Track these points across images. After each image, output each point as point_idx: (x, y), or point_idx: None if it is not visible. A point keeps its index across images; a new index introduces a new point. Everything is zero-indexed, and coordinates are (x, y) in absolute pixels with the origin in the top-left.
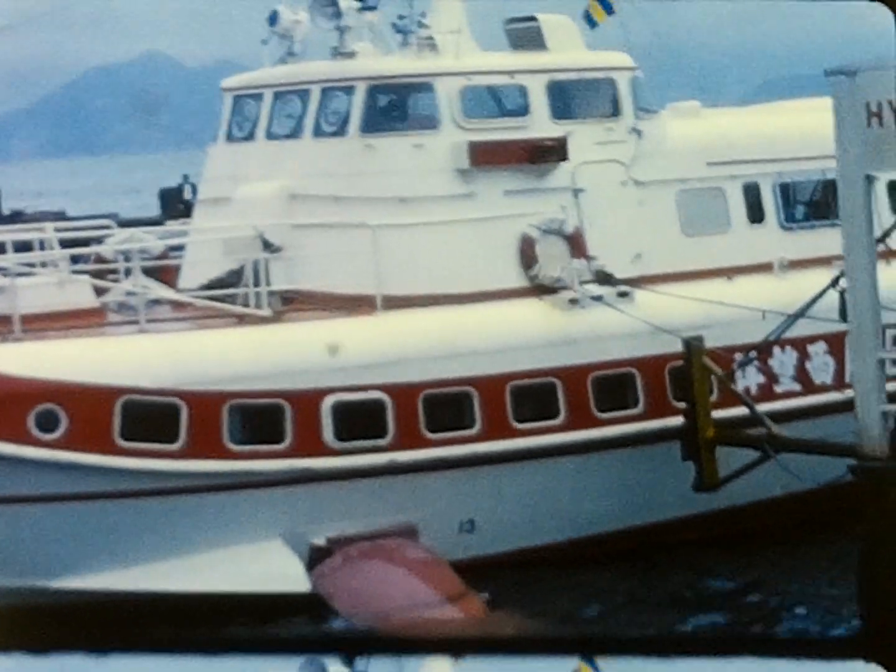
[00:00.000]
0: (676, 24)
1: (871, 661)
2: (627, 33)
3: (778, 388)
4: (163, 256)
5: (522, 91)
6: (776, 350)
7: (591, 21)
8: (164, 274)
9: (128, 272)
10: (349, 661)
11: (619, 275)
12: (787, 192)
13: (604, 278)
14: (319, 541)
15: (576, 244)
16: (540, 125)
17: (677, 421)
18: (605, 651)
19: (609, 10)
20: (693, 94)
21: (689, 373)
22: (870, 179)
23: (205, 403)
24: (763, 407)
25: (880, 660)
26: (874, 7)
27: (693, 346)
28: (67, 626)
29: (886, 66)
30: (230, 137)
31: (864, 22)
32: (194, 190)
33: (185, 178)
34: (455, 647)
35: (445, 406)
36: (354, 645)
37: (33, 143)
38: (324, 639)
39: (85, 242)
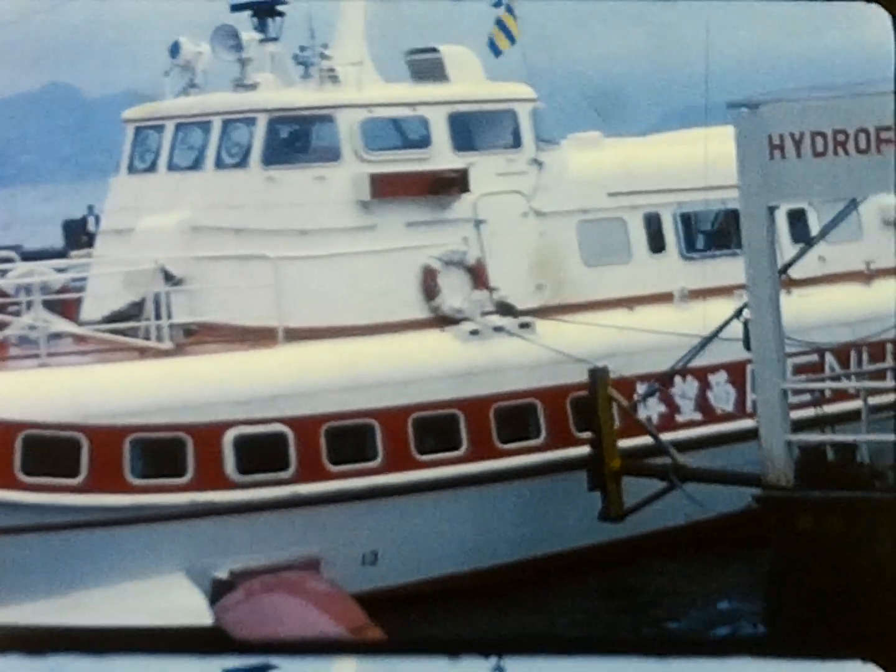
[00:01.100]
0: (578, 55)
1: (869, 661)
2: (529, 64)
3: (679, 418)
4: (64, 290)
5: (424, 123)
6: (677, 379)
7: (495, 49)
8: (67, 306)
9: (29, 305)
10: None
11: (520, 306)
12: (687, 222)
13: (505, 309)
14: (222, 574)
15: (477, 275)
16: (441, 157)
17: (580, 451)
18: (589, 651)
19: (511, 38)
20: (595, 124)
21: (594, 402)
22: (772, 211)
23: (106, 437)
24: (665, 436)
25: (878, 660)
26: (870, 9)
27: (598, 376)
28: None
29: (788, 98)
30: (132, 169)
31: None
32: (98, 221)
33: (90, 209)
34: (358, 649)
35: (348, 438)
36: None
37: None
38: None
39: None
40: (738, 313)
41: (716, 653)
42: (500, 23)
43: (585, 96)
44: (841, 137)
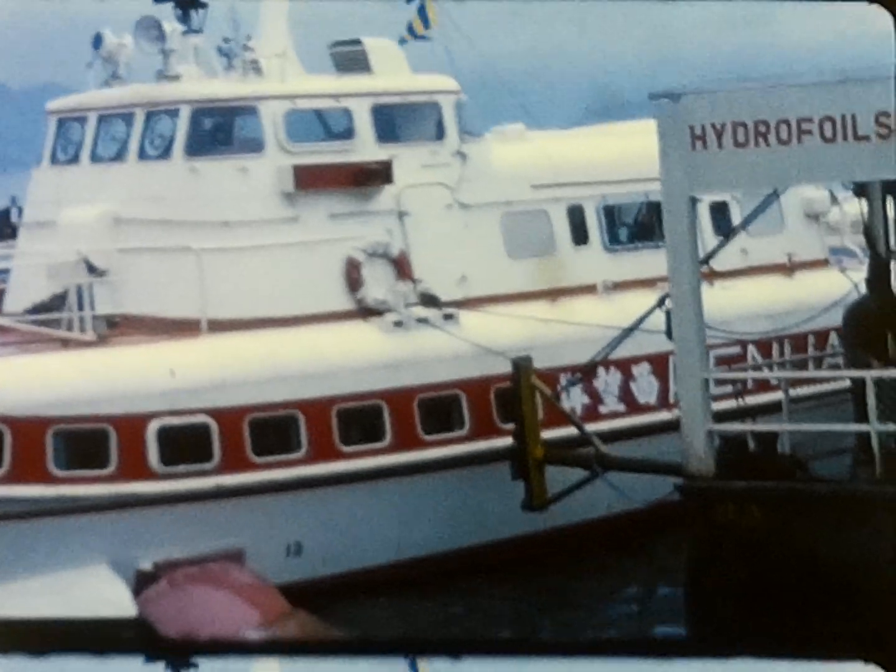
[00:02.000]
0: (504, 48)
1: (870, 661)
2: (452, 57)
3: (603, 409)
4: None
5: (347, 114)
6: (601, 370)
7: (412, 33)
8: None
9: None
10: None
11: (444, 297)
12: (611, 215)
13: (429, 301)
14: (146, 566)
15: (401, 267)
16: (365, 148)
17: (504, 442)
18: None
19: (426, 23)
20: (519, 117)
21: (517, 392)
22: (694, 202)
23: (28, 428)
24: (589, 427)
25: (879, 661)
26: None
27: (521, 367)
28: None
29: (710, 90)
30: (54, 160)
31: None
32: (20, 213)
33: (13, 200)
34: (281, 649)
35: (271, 429)
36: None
37: None
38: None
39: None
40: (661, 303)
41: (716, 653)
42: (421, 10)
43: (509, 89)
44: (762, 128)
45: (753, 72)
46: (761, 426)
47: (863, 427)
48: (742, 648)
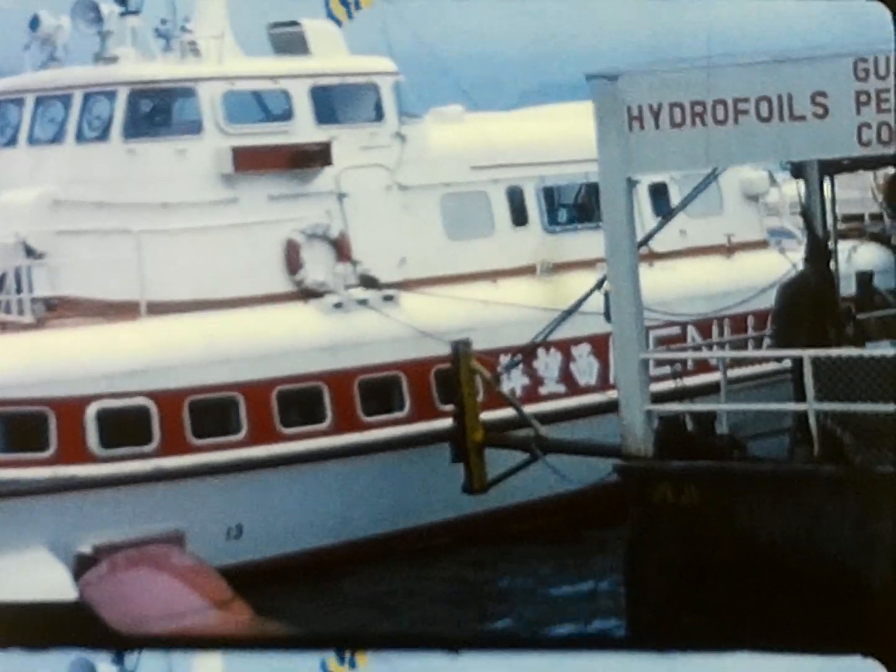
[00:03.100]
0: (441, 29)
1: (869, 656)
2: (389, 38)
3: (543, 390)
4: None
5: (286, 96)
6: (541, 352)
7: (332, 18)
8: None
9: None
10: (119, 659)
11: (384, 279)
12: (550, 196)
13: (369, 282)
14: (86, 549)
15: (341, 249)
16: (303, 130)
17: (444, 424)
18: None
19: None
20: (458, 99)
21: (456, 375)
22: (631, 183)
23: None
24: (529, 408)
25: (878, 655)
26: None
27: (461, 349)
28: None
29: (646, 71)
30: None
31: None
32: None
33: None
34: (223, 644)
35: (211, 412)
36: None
37: None
38: (93, 636)
39: None
40: (599, 285)
41: (715, 648)
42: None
43: (447, 71)
44: (699, 108)
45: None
46: (699, 406)
47: (800, 406)
48: (740, 644)
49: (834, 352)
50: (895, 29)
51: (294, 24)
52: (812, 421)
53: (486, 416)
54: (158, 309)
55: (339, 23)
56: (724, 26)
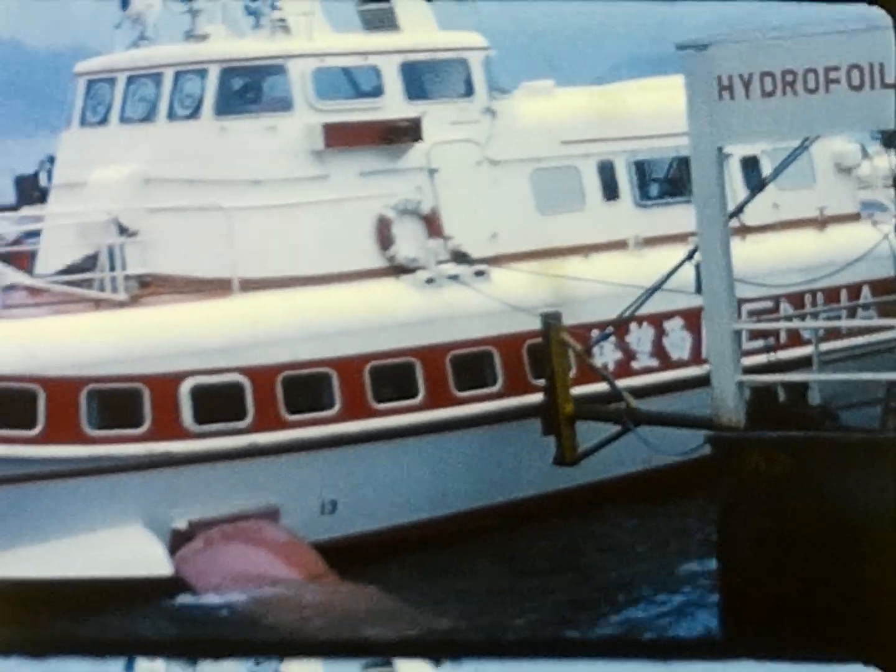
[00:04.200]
0: (530, 3)
1: (870, 663)
2: (478, 13)
3: (635, 364)
4: (17, 242)
5: (376, 72)
6: (633, 326)
7: None
8: (20, 260)
9: None
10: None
11: (475, 254)
12: (641, 170)
13: (460, 257)
14: (181, 524)
15: (432, 224)
16: (394, 106)
17: (537, 398)
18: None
19: None
20: (548, 73)
21: (547, 349)
22: (722, 154)
23: (62, 389)
24: (622, 383)
25: (878, 662)
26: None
27: (551, 323)
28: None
29: (737, 39)
30: (84, 122)
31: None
32: (50, 176)
33: (43, 163)
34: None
35: (305, 387)
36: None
37: None
38: (168, 644)
39: None
40: (690, 256)
41: (716, 655)
42: None
43: (536, 46)
44: (789, 77)
45: None
46: (791, 376)
47: (892, 375)
48: (740, 651)
49: None
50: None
51: (384, 0)
52: None
53: (578, 390)
54: (251, 285)
55: None
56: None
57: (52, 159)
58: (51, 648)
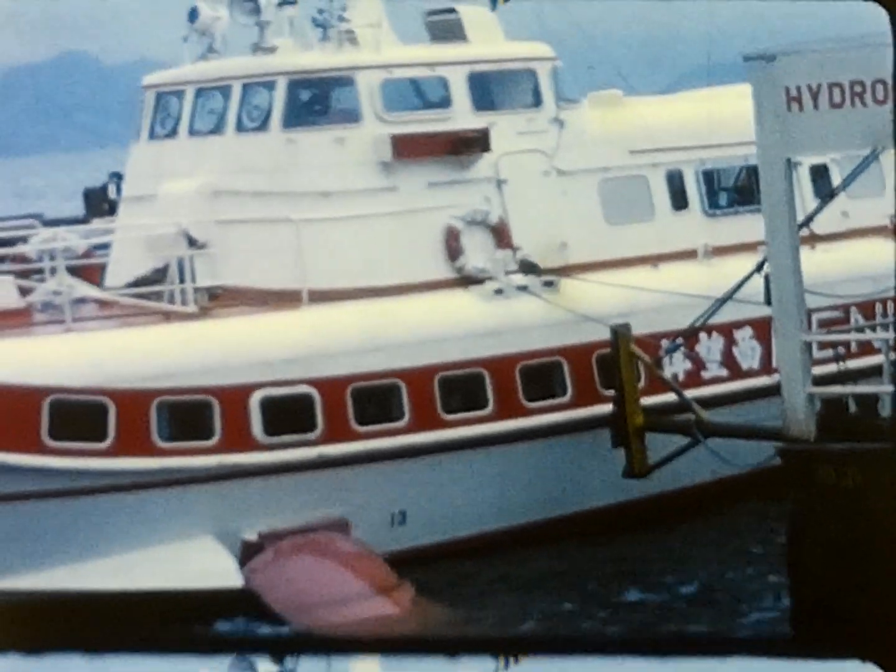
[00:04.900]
0: (594, 13)
1: (868, 660)
2: (544, 22)
3: (705, 374)
4: (87, 255)
5: (444, 83)
6: (703, 336)
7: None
8: (89, 273)
9: (52, 271)
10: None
11: (543, 264)
12: (710, 179)
13: (529, 268)
14: (251, 536)
15: (500, 234)
16: (462, 117)
17: (606, 409)
18: (585, 651)
19: None
20: (614, 82)
21: (616, 360)
22: (791, 164)
23: (132, 401)
24: (691, 393)
25: (877, 659)
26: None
27: (620, 334)
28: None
29: (805, 50)
30: (152, 135)
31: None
32: (119, 189)
33: (112, 176)
34: (383, 646)
35: (374, 398)
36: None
37: None
38: (253, 639)
39: (9, 243)
40: (759, 267)
41: (711, 652)
42: None
43: (602, 56)
44: (858, 88)
45: None
46: (862, 388)
47: None
48: (738, 648)
49: None
50: (893, 31)
51: (451, 10)
52: None
53: (647, 401)
54: (320, 297)
55: (495, 4)
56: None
57: (118, 175)
58: (48, 645)
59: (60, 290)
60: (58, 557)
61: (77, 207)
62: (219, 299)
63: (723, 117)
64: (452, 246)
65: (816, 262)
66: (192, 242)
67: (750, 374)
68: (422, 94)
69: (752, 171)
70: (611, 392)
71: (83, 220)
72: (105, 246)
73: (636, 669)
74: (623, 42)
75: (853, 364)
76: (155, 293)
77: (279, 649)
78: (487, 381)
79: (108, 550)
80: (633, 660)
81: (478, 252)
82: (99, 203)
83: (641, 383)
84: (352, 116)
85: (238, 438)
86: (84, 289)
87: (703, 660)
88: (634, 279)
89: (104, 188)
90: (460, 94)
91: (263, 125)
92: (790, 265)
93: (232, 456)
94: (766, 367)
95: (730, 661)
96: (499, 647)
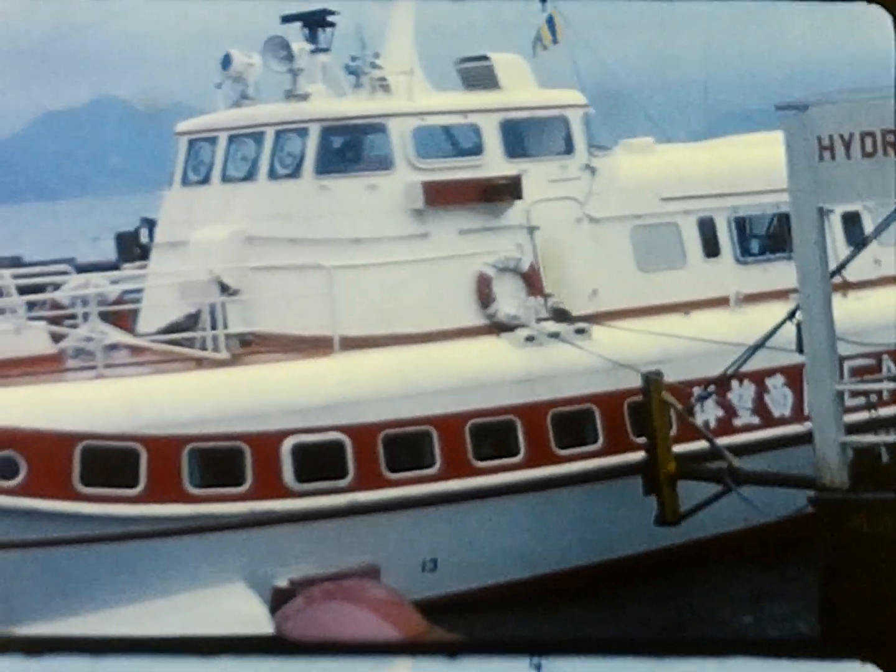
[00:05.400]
0: (629, 58)
1: (868, 661)
2: (578, 70)
3: (737, 422)
4: (119, 301)
5: (476, 130)
6: (734, 383)
7: (540, 44)
8: (122, 318)
9: (85, 317)
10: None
11: (575, 311)
12: (742, 226)
13: (560, 315)
14: (282, 583)
15: (532, 282)
16: (494, 164)
17: (637, 456)
18: (591, 652)
19: (554, 36)
20: (646, 129)
21: (648, 407)
22: (823, 212)
23: (164, 447)
24: (723, 440)
25: (877, 661)
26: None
27: (652, 381)
28: None
29: (836, 100)
30: (185, 181)
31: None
32: (150, 233)
33: (143, 221)
34: (413, 649)
35: (405, 445)
36: (287, 648)
37: None
38: (254, 640)
39: (41, 288)
40: (791, 316)
41: (715, 653)
42: (550, 20)
43: (634, 103)
44: (890, 138)
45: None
46: (894, 437)
47: None
48: (742, 648)
49: None
50: (895, 33)
51: (483, 58)
52: None
53: (679, 448)
54: (351, 343)
55: (545, 47)
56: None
57: (149, 219)
58: (47, 647)
59: (93, 337)
60: (89, 603)
61: (108, 251)
62: (250, 346)
63: (755, 164)
64: (484, 293)
65: (848, 310)
66: (224, 289)
67: (782, 421)
68: (454, 140)
69: (784, 219)
70: (642, 439)
71: (115, 264)
72: (135, 290)
73: (637, 670)
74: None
75: (885, 412)
76: (187, 339)
77: (283, 652)
78: (519, 428)
79: (140, 596)
80: (633, 660)
81: (509, 299)
82: (130, 247)
83: (673, 431)
84: (384, 163)
85: (269, 485)
86: (116, 335)
87: (704, 661)
88: (666, 326)
89: (136, 232)
90: (492, 141)
91: (296, 172)
92: (822, 313)
93: (263, 503)
94: (798, 415)
95: (731, 662)
96: (499, 646)
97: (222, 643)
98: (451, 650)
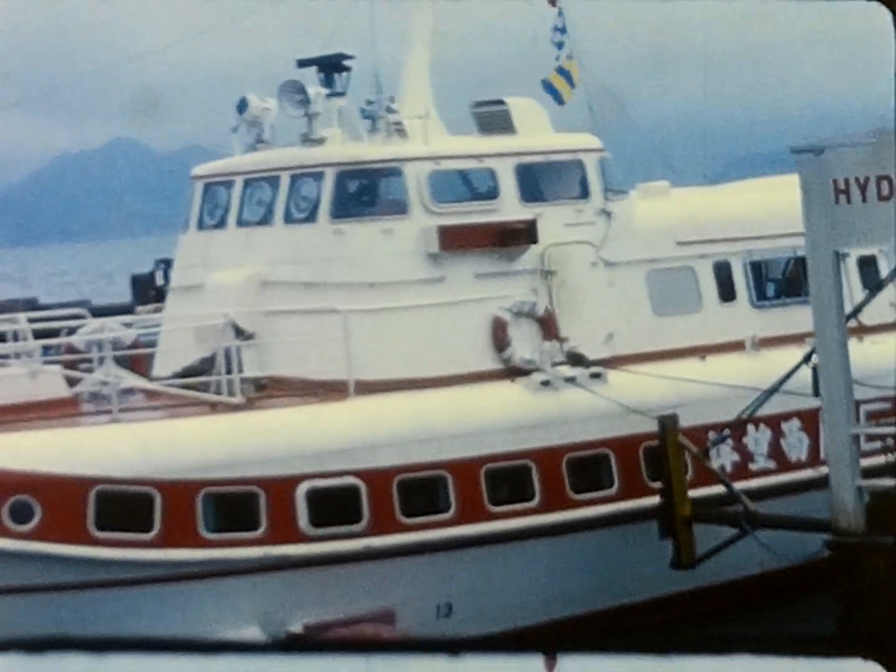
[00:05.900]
0: (644, 102)
1: (869, 658)
2: (595, 114)
3: (753, 466)
4: (135, 345)
5: (491, 174)
6: (750, 428)
7: (556, 96)
8: (137, 362)
9: (100, 361)
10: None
11: (591, 356)
12: (758, 270)
13: (576, 359)
14: (296, 628)
15: (547, 326)
16: (509, 208)
17: (653, 501)
18: (597, 649)
19: (571, 84)
20: (661, 173)
21: (663, 451)
22: (839, 256)
23: (179, 492)
24: (739, 485)
25: (878, 657)
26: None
27: (667, 425)
28: None
29: (853, 143)
30: (201, 225)
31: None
32: (166, 275)
33: (158, 263)
34: (424, 647)
35: (420, 490)
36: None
37: (2, 230)
38: (254, 641)
39: (56, 332)
40: (807, 359)
41: (716, 651)
42: (561, 70)
43: (649, 146)
44: None
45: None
46: None
47: None
48: (740, 646)
49: None
50: (895, 30)
51: (499, 102)
52: None
53: (694, 493)
54: (366, 388)
55: (559, 101)
56: None
57: (165, 261)
58: (48, 645)
59: (108, 381)
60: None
61: (123, 294)
62: (265, 390)
63: (770, 208)
64: (499, 337)
65: (864, 354)
66: (239, 333)
67: (798, 466)
68: (469, 185)
69: (800, 263)
70: (658, 484)
71: (130, 307)
72: (153, 334)
73: (642, 668)
74: (671, 131)
75: None
76: (202, 383)
77: (283, 651)
78: (534, 472)
79: None
80: (637, 657)
81: (525, 343)
82: (146, 290)
83: (689, 475)
84: (399, 207)
85: (284, 530)
86: (131, 379)
87: (707, 658)
88: (682, 371)
89: (151, 275)
90: (508, 185)
91: (311, 216)
92: (838, 356)
93: (278, 547)
94: (814, 459)
95: (733, 660)
96: (502, 644)
97: (222, 643)
98: (453, 648)
